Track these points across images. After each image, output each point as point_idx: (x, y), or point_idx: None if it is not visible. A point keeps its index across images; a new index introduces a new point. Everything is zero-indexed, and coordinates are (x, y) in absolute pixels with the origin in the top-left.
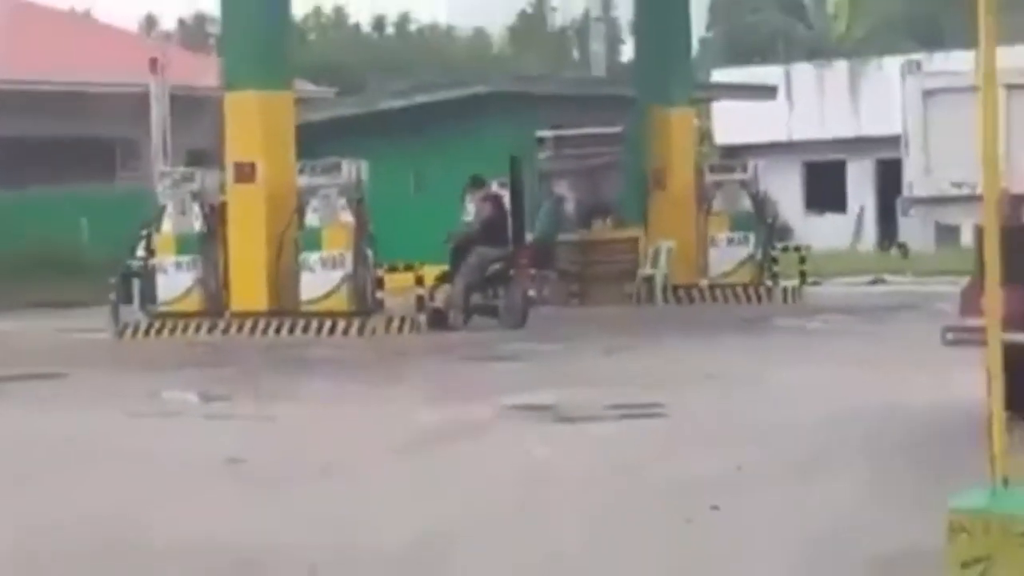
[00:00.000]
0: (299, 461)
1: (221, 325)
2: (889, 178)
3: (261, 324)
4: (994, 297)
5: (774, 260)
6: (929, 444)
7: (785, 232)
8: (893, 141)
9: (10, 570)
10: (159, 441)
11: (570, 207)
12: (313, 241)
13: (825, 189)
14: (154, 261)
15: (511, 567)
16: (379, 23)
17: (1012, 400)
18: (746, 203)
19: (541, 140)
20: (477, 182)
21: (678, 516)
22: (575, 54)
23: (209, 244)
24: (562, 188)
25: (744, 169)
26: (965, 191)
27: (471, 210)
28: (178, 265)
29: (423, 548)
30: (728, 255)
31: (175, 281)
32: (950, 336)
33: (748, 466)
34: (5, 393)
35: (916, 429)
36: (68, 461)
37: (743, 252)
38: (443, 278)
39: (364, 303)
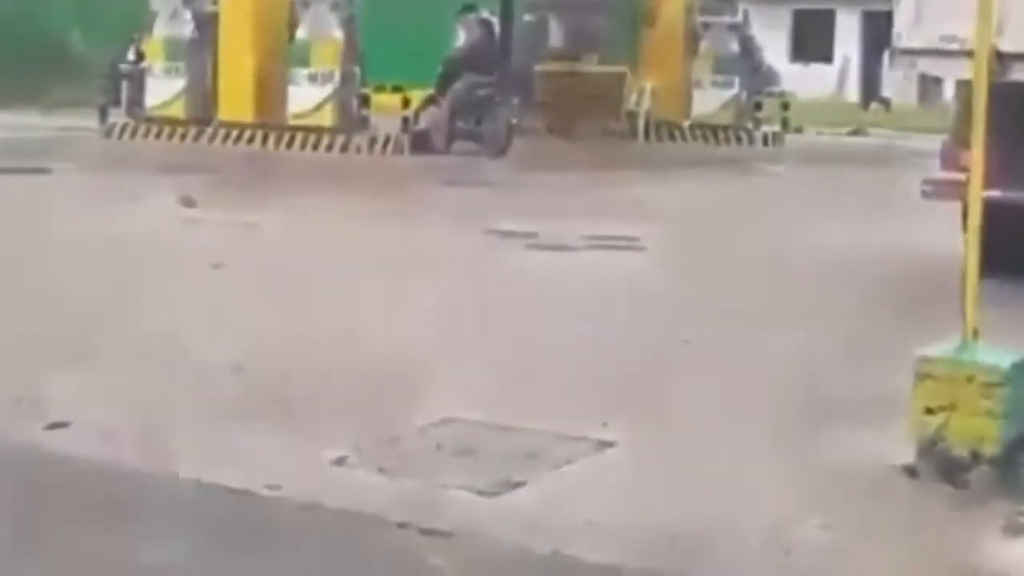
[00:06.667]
0: (279, 270)
1: (207, 133)
2: (876, 31)
3: (247, 135)
4: (979, 151)
5: (758, 105)
6: (901, 294)
7: (771, 78)
8: None
9: None
10: (141, 243)
11: (559, 39)
12: (302, 56)
13: (812, 38)
14: (143, 64)
15: (485, 380)
16: None
17: (984, 256)
18: (733, 46)
19: None
20: (469, 8)
21: (649, 348)
22: None
23: (199, 52)
24: (552, 21)
25: (734, 12)
26: (954, 46)
27: (462, 35)
28: (167, 70)
29: (399, 360)
30: (712, 97)
31: (163, 86)
32: (928, 189)
33: (720, 301)
34: None
35: (890, 278)
36: (45, 256)
37: (727, 95)
38: (429, 100)
39: (349, 120)
